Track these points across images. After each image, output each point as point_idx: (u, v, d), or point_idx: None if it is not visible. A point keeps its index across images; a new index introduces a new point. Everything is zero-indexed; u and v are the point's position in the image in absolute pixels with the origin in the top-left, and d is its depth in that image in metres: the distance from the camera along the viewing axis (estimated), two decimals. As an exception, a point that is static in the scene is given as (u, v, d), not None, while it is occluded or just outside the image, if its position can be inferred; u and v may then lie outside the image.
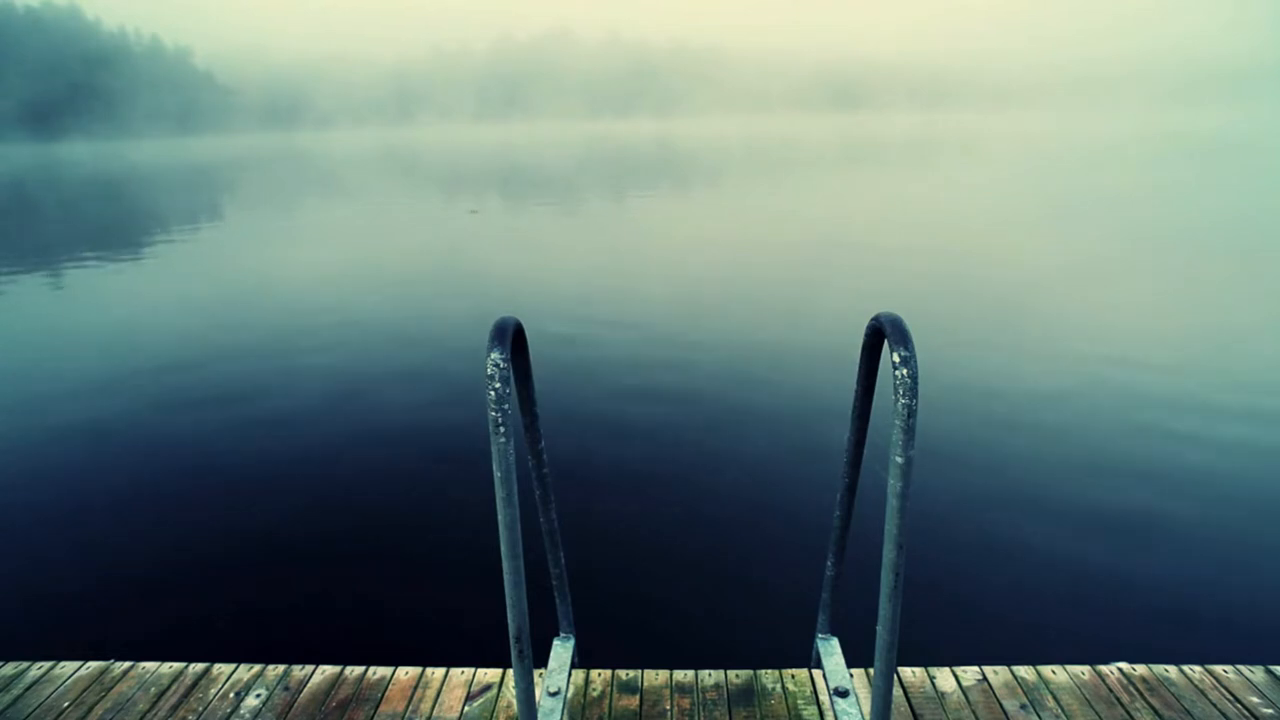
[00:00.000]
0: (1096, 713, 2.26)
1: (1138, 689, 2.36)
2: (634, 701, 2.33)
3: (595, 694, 2.36)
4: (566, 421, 5.89)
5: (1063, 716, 2.25)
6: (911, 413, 1.47)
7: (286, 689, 2.43)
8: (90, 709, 2.37)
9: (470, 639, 3.45)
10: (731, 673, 2.44)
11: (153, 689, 2.44)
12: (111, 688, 2.46)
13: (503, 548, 1.57)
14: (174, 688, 2.45)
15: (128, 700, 2.40)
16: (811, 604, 2.59)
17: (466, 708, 2.33)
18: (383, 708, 2.34)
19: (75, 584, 4.01)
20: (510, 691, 2.37)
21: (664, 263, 12.75)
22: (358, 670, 2.50)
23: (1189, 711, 2.26)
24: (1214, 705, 2.29)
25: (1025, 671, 2.43)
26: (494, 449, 1.50)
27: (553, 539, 2.16)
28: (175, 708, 2.36)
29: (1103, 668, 2.45)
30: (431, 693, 2.39)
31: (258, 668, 2.53)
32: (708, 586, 3.85)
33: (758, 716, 2.26)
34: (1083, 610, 3.58)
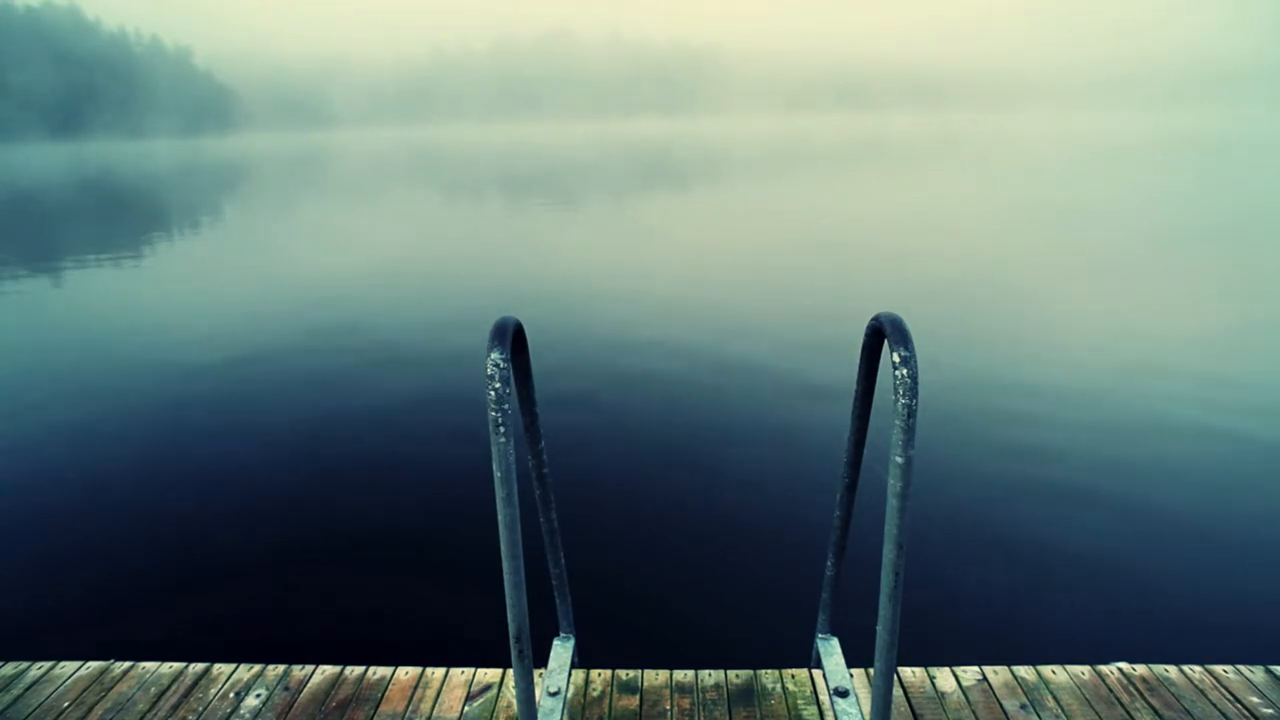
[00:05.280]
0: (1096, 713, 2.26)
1: (1138, 689, 2.36)
2: (634, 701, 2.33)
3: (595, 694, 2.36)
4: (567, 421, 5.89)
5: (1063, 716, 2.25)
6: (911, 413, 1.47)
7: (286, 689, 2.43)
8: (90, 709, 2.36)
9: (470, 639, 3.45)
10: (731, 673, 2.44)
11: (153, 689, 2.44)
12: (111, 688, 2.46)
13: (503, 548, 1.57)
14: (174, 688, 2.45)
15: (128, 700, 2.40)
16: (811, 604, 2.59)
17: (466, 708, 2.33)
18: (383, 708, 2.34)
19: (75, 584, 4.01)
20: (510, 691, 2.37)
21: (667, 263, 12.75)
22: (358, 670, 2.50)
23: (1189, 711, 2.26)
24: (1214, 705, 2.28)
25: (1025, 671, 2.43)
26: (494, 449, 1.50)
27: (553, 539, 2.16)
28: (175, 708, 2.36)
29: (1103, 668, 2.45)
30: (431, 693, 2.39)
31: (258, 668, 2.52)
32: (708, 586, 3.85)
33: (758, 716, 2.26)
34: (1083, 610, 3.58)
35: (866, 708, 2.22)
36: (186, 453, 5.60)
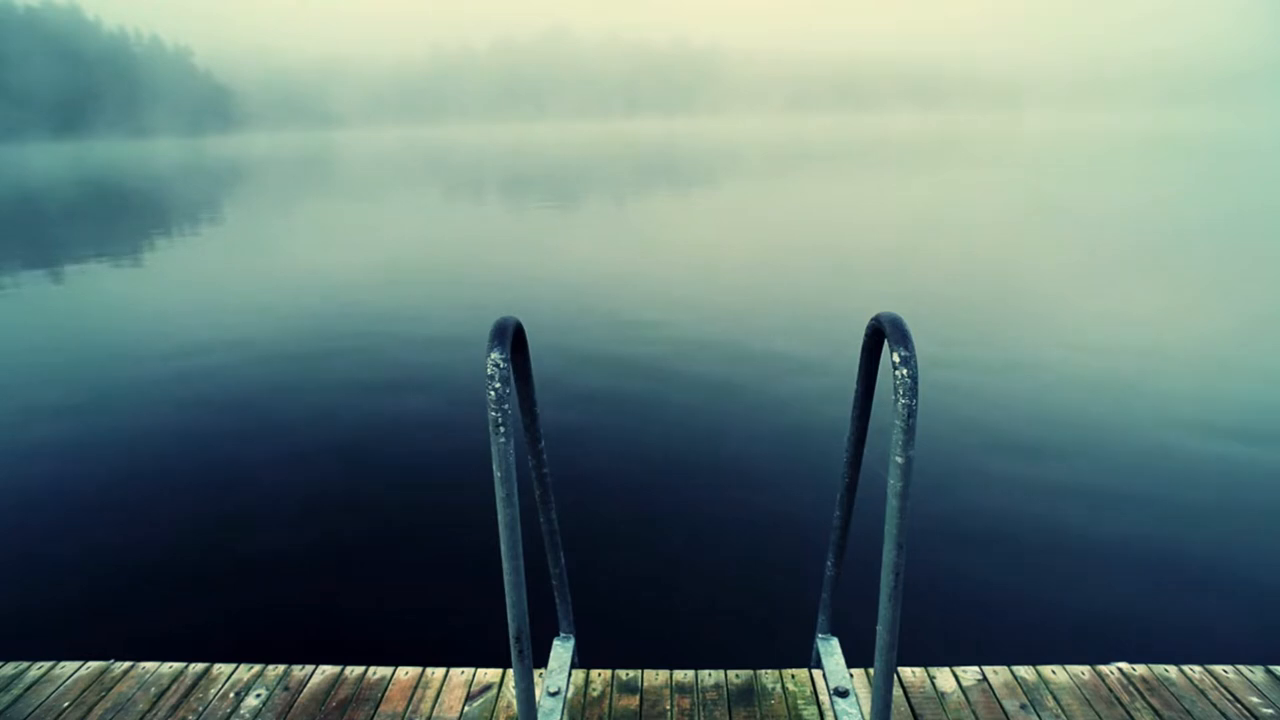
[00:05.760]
0: (1096, 713, 2.26)
1: (1138, 689, 2.36)
2: (634, 701, 2.33)
3: (595, 694, 2.36)
4: (567, 421, 5.89)
5: (1063, 716, 2.25)
6: (911, 413, 1.47)
7: (286, 689, 2.43)
8: (90, 709, 2.36)
9: (470, 639, 3.45)
10: (731, 673, 2.44)
11: (153, 689, 2.44)
12: (111, 688, 2.46)
13: (503, 548, 1.57)
14: (174, 688, 2.45)
15: (128, 700, 2.40)
16: (811, 604, 2.59)
17: (466, 708, 2.33)
18: (383, 708, 2.34)
19: (75, 584, 4.01)
20: (510, 691, 2.37)
21: (667, 263, 12.75)
22: (358, 670, 2.50)
23: (1189, 711, 2.26)
24: (1214, 705, 2.28)
25: (1025, 671, 2.43)
26: (494, 449, 1.50)
27: (553, 539, 2.16)
28: (175, 708, 2.36)
29: (1103, 668, 2.45)
30: (431, 693, 2.39)
31: (258, 668, 2.52)
32: (708, 586, 3.85)
33: (758, 716, 2.26)
34: (1083, 610, 3.58)
35: (866, 708, 2.22)
36: (187, 453, 5.60)
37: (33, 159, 67.71)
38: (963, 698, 2.33)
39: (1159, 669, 2.45)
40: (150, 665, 2.56)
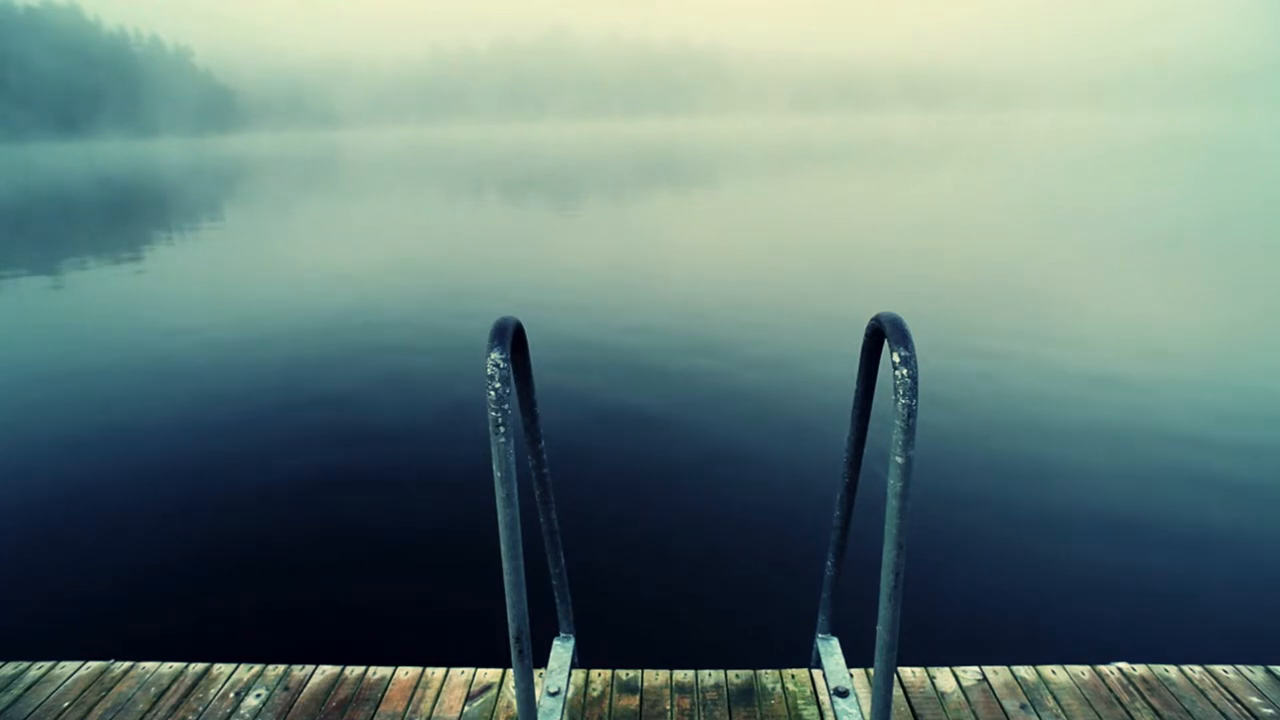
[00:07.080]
0: (1096, 713, 2.26)
1: (1138, 689, 2.36)
2: (634, 701, 2.33)
3: (595, 694, 2.36)
4: (567, 421, 5.89)
5: (1063, 716, 2.25)
6: (911, 413, 1.47)
7: (286, 689, 2.43)
8: (90, 709, 2.36)
9: (470, 639, 3.45)
10: (731, 673, 2.44)
11: (153, 689, 2.44)
12: (111, 688, 2.46)
13: (503, 548, 1.57)
14: (174, 688, 2.45)
15: (128, 700, 2.40)
16: (811, 604, 2.59)
17: (466, 708, 2.33)
18: (383, 708, 2.34)
19: (75, 584, 4.01)
20: (510, 691, 2.37)
21: (667, 263, 12.75)
22: (358, 670, 2.50)
23: (1189, 711, 2.26)
24: (1214, 705, 2.28)
25: (1025, 671, 2.43)
26: (494, 449, 1.50)
27: (553, 539, 2.16)
28: (175, 708, 2.36)
29: (1103, 668, 2.45)
30: (431, 693, 2.39)
31: (258, 668, 2.53)
32: (708, 586, 3.85)
33: (758, 716, 2.26)
34: (1083, 610, 3.57)
35: (866, 708, 2.22)
36: (186, 453, 5.60)
37: (38, 159, 67.74)
38: (963, 698, 2.33)
39: (1159, 669, 2.45)
40: (150, 665, 2.56)
